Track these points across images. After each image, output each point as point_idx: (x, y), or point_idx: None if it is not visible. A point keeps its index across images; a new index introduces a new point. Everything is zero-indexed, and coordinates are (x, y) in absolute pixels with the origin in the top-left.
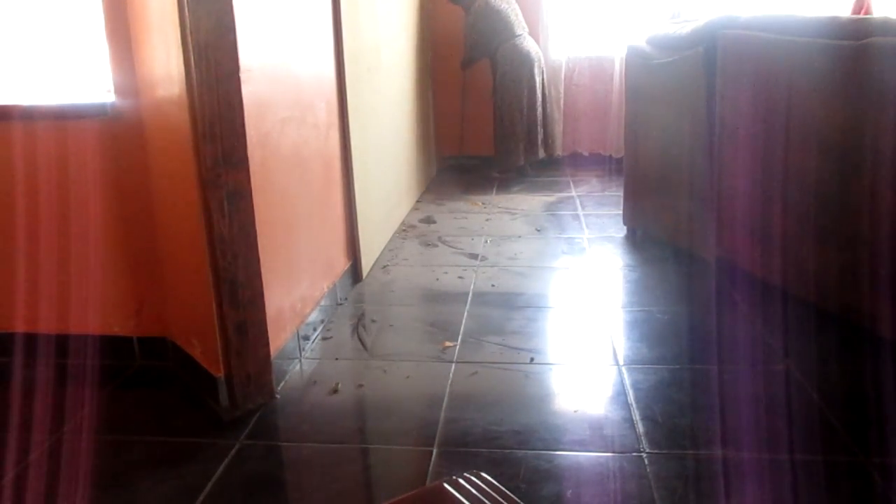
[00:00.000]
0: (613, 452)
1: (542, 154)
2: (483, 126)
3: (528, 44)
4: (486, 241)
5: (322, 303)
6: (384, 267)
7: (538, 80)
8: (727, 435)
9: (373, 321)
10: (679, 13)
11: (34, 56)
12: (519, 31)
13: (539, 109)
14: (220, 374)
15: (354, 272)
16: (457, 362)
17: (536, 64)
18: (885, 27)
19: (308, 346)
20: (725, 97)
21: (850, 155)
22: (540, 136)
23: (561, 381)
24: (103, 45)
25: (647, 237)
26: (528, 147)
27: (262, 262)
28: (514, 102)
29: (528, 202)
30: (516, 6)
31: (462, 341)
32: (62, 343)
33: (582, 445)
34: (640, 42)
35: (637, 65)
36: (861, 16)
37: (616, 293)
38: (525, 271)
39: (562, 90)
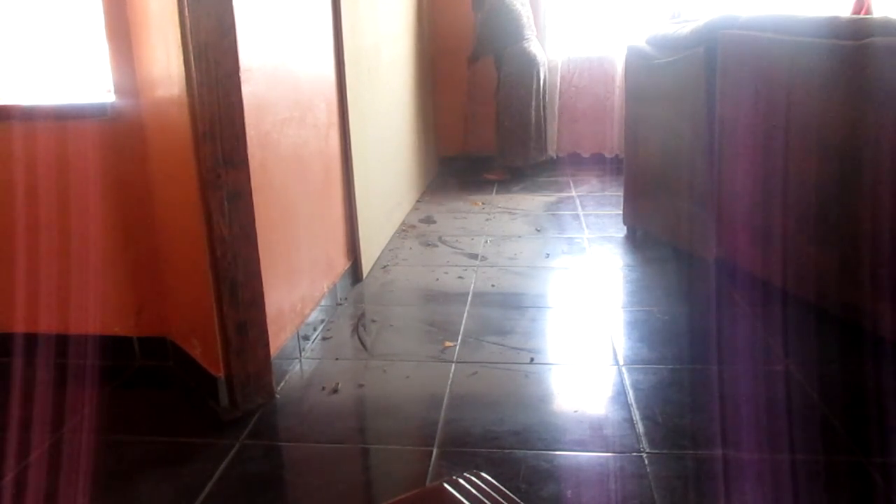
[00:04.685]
0: (613, 452)
1: (540, 157)
2: (488, 125)
3: (536, 47)
4: (486, 241)
5: (322, 303)
6: (384, 267)
7: (542, 84)
8: (727, 435)
9: (373, 321)
10: (679, 13)
11: (34, 56)
12: (528, 34)
13: (541, 113)
14: (220, 374)
15: (354, 272)
16: (457, 362)
17: (542, 68)
18: (885, 27)
19: (308, 346)
20: (725, 97)
21: (850, 155)
22: (541, 139)
23: (561, 381)
24: (103, 45)
25: (647, 237)
26: (525, 149)
27: (262, 262)
28: (516, 104)
29: (528, 202)
30: (529, 9)
31: (462, 341)
32: (62, 343)
33: (582, 445)
34: (641, 42)
35: (637, 65)
36: (861, 16)
37: (616, 293)
38: (525, 271)
39: (558, 91)
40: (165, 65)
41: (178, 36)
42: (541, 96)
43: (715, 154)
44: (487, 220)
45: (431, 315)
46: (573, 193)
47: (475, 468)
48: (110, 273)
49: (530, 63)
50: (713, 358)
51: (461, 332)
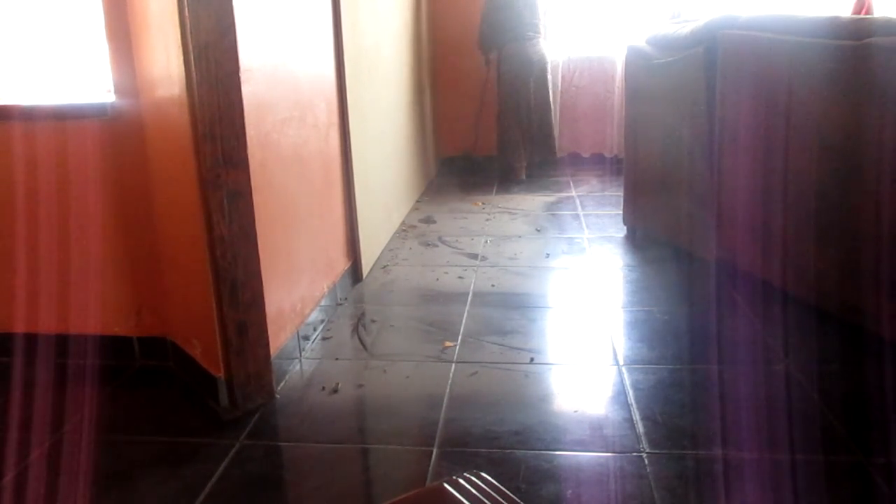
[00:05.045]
0: (613, 452)
1: (539, 157)
2: (485, 125)
3: (535, 47)
4: (486, 241)
5: (322, 303)
6: (384, 267)
7: (536, 85)
8: (727, 435)
9: (373, 321)
10: (679, 13)
11: (34, 56)
12: (530, 33)
13: (536, 115)
14: (220, 374)
15: (354, 272)
16: (457, 362)
17: (539, 69)
18: (886, 27)
19: (308, 346)
20: (725, 97)
21: (851, 155)
22: (532, 142)
23: (561, 381)
24: (103, 45)
25: (647, 237)
26: (521, 150)
27: (262, 262)
28: (512, 106)
29: (528, 202)
30: (536, 7)
31: (462, 341)
32: (62, 343)
33: (582, 445)
34: (640, 42)
35: (637, 65)
36: (861, 16)
37: (616, 293)
38: (525, 271)
39: (559, 91)
40: (165, 65)
41: (178, 36)
42: (539, 99)
43: (715, 154)
44: (487, 220)
45: (431, 315)
46: (573, 193)
47: (475, 468)
48: (110, 273)
49: (526, 64)
50: (713, 358)
51: (461, 332)
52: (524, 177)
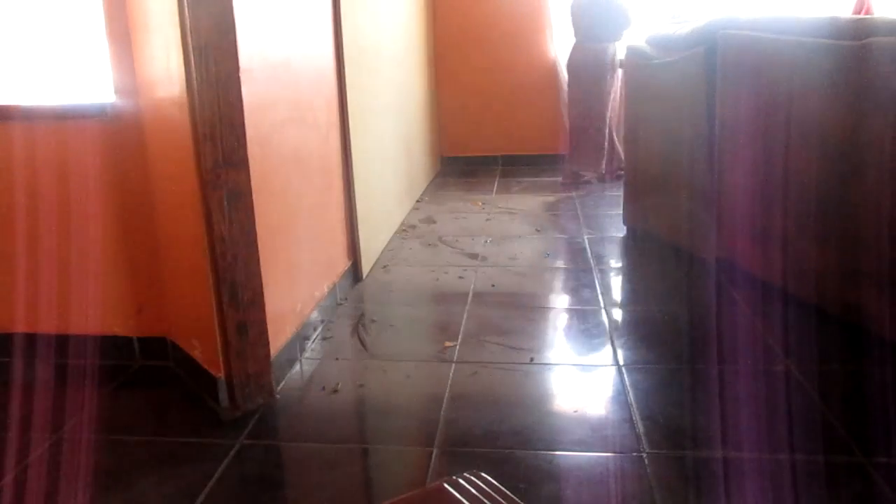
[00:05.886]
0: (613, 452)
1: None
2: (486, 125)
3: (578, 52)
4: (487, 241)
5: (322, 303)
6: (384, 267)
7: (582, 93)
8: (727, 435)
9: (373, 321)
10: (679, 13)
11: (34, 56)
12: (579, 38)
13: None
14: (220, 374)
15: (355, 272)
16: (457, 362)
17: (580, 74)
18: (886, 27)
19: (308, 346)
20: (725, 97)
21: (851, 155)
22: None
23: (561, 381)
24: (103, 45)
25: (647, 237)
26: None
27: (262, 262)
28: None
29: (528, 202)
30: (604, 11)
31: (462, 341)
32: (62, 343)
33: (582, 445)
34: (640, 42)
35: (637, 65)
36: (861, 16)
37: (616, 293)
38: (525, 271)
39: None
40: (165, 65)
41: (178, 36)
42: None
43: (715, 154)
44: (487, 220)
45: (431, 315)
46: (573, 193)
47: (475, 468)
48: (110, 273)
49: (571, 69)
50: (713, 358)
51: (461, 332)
52: (581, 180)
